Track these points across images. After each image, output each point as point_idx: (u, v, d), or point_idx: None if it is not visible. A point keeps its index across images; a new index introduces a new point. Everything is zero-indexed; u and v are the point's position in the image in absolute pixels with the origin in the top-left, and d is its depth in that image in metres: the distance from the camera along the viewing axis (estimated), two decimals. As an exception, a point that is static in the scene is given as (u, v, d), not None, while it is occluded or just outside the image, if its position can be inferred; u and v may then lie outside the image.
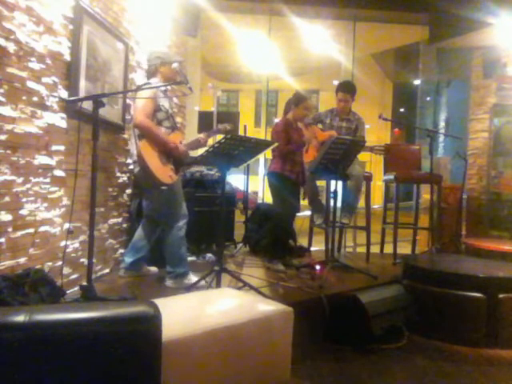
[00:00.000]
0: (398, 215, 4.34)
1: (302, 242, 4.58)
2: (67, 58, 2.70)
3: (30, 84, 2.36)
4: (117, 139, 3.43)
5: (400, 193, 4.47)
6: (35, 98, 2.40)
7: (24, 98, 2.31)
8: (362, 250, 4.86)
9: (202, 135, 3.17)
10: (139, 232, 3.24)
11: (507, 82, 5.35)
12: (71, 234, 2.72)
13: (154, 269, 3.39)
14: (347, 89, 4.12)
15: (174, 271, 3.03)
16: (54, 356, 1.28)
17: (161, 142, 2.91)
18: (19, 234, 2.32)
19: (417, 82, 9.16)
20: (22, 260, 2.35)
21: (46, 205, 2.54)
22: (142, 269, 3.30)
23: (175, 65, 3.09)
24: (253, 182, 7.25)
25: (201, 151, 2.97)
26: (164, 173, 2.89)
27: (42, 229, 2.52)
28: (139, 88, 3.03)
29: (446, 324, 2.93)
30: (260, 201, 9.45)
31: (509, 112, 5.27)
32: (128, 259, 3.20)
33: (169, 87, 3.28)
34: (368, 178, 4.25)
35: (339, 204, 3.77)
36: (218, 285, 2.71)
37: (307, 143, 3.83)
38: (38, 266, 2.41)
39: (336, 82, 4.32)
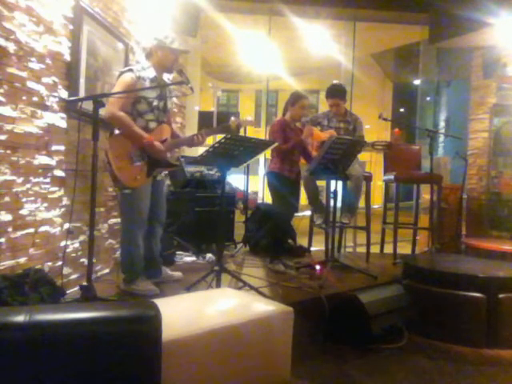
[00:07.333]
0: (398, 215, 4.34)
1: (302, 242, 4.57)
2: (67, 57, 2.71)
3: (30, 84, 2.36)
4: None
5: (400, 193, 4.46)
6: (35, 98, 2.41)
7: (24, 98, 2.32)
8: (362, 249, 4.86)
9: (198, 133, 2.87)
10: None
11: (507, 81, 5.34)
12: (71, 234, 2.72)
13: (178, 274, 3.16)
14: (334, 93, 4.08)
15: (123, 275, 2.84)
16: (54, 356, 1.28)
17: (135, 137, 2.60)
18: (19, 234, 2.32)
19: (417, 81, 9.15)
20: (22, 260, 2.35)
21: (45, 205, 2.54)
22: (162, 274, 3.06)
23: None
24: (253, 181, 7.25)
25: (201, 151, 2.86)
26: (129, 174, 2.59)
27: (42, 229, 2.52)
28: (121, 73, 2.69)
29: (446, 324, 2.92)
30: (260, 201, 9.44)
31: (509, 112, 5.27)
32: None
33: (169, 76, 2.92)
34: (368, 178, 4.25)
35: (339, 204, 3.78)
36: (218, 285, 2.71)
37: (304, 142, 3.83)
38: (38, 266, 2.41)
39: (336, 82, 4.30)
